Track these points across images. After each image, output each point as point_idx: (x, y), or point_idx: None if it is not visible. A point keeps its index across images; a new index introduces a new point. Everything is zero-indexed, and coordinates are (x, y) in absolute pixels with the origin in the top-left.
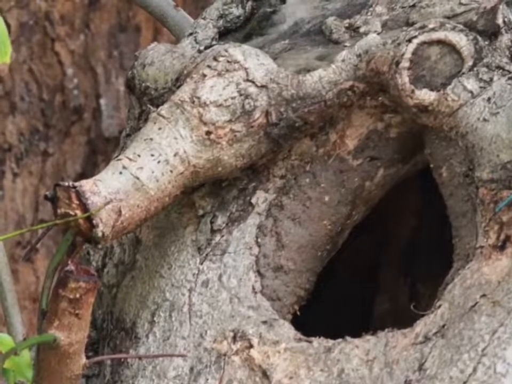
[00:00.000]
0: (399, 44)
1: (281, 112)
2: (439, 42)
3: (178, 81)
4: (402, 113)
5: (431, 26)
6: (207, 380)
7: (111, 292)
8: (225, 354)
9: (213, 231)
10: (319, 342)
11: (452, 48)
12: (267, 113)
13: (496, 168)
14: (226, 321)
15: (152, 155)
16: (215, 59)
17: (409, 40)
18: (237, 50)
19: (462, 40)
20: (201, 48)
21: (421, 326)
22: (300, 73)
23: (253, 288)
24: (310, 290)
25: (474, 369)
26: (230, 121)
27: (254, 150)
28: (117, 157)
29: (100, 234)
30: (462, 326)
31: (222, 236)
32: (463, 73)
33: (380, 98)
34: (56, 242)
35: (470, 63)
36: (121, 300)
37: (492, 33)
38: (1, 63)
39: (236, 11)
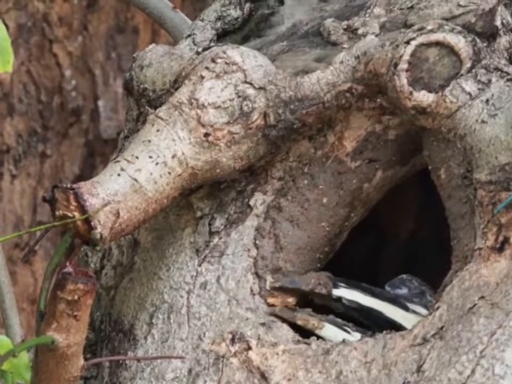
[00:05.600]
0: (397, 46)
1: (279, 114)
2: (437, 44)
3: (176, 83)
4: (401, 115)
5: (429, 28)
6: (205, 381)
7: (109, 293)
8: (223, 356)
9: (211, 233)
10: (317, 344)
11: (450, 49)
12: (265, 115)
13: (494, 169)
14: (224, 323)
15: (150, 157)
16: (213, 61)
17: (408, 42)
18: (235, 52)
19: (460, 42)
20: (199, 49)
21: (419, 328)
22: (298, 75)
23: (251, 290)
24: None
25: (473, 371)
26: (228, 123)
27: (252, 152)
28: (115, 158)
29: (98, 236)
30: (460, 327)
31: (220, 238)
32: (462, 75)
33: (378, 100)
34: (55, 244)
35: (468, 64)
36: (119, 302)
37: (490, 35)
38: (3, 72)
39: (234, 13)
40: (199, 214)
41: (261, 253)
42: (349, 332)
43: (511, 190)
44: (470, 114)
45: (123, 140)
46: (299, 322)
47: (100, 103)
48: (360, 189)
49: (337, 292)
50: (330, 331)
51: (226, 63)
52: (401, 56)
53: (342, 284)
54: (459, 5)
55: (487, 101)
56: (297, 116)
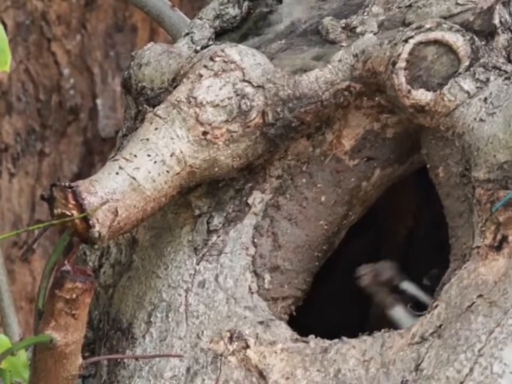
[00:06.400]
0: (395, 44)
1: (277, 112)
2: (436, 42)
3: (174, 82)
4: (399, 113)
5: (427, 26)
6: (204, 380)
7: (107, 292)
8: (221, 355)
9: (210, 232)
10: (315, 343)
11: (449, 48)
12: (263, 113)
13: (492, 168)
14: (222, 322)
15: (149, 155)
16: (211, 59)
17: (406, 40)
18: (233, 50)
19: (458, 40)
20: (198, 48)
21: (417, 326)
22: (296, 73)
23: (250, 289)
24: (306, 291)
25: (471, 370)
26: (226, 121)
27: (251, 150)
28: (113, 157)
29: (96, 234)
30: (458, 326)
31: (219, 236)
32: (460, 74)
33: (377, 98)
34: (53, 242)
35: (467, 63)
36: (117, 300)
37: (489, 34)
38: (1, 72)
39: (233, 11)
40: (197, 212)
41: (259, 251)
42: (414, 315)
43: (509, 189)
44: (468, 112)
45: (121, 138)
46: (376, 299)
47: (98, 101)
48: (359, 187)
49: (403, 285)
50: (399, 313)
51: (224, 61)
52: (399, 55)
53: (406, 277)
54: (457, 4)
55: (485, 99)
56: (295, 114)
